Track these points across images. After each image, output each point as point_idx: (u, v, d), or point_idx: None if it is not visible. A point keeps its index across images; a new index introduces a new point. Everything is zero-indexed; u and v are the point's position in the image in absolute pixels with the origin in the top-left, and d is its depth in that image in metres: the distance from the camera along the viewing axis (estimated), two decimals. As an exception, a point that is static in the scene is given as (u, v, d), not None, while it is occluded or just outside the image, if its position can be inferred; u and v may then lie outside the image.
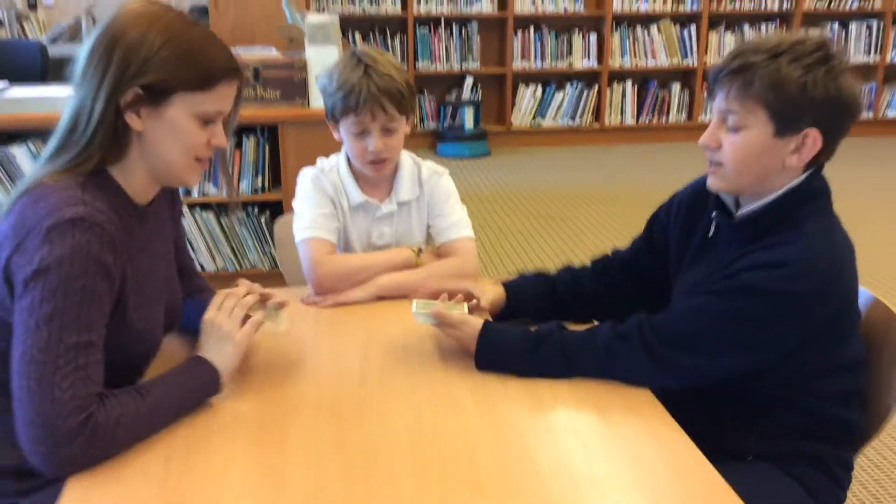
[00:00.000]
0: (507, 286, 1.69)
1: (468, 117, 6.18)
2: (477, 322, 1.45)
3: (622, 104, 6.46)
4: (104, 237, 1.17)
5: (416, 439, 1.24)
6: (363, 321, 1.65)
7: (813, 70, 1.27)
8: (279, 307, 1.46)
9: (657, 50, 6.37)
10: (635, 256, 1.69)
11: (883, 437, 1.48)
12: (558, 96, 6.39)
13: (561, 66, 6.35)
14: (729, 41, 6.40)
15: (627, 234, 1.77)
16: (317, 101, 3.09)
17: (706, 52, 6.35)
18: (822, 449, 1.42)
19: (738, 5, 6.37)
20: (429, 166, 1.88)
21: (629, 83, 6.41)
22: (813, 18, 6.50)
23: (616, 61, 6.35)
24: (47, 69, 4.30)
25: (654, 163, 5.99)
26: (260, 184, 3.21)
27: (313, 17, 3.21)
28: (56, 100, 3.22)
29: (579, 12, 6.26)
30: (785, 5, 6.41)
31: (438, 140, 6.20)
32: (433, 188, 1.85)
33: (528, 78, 6.38)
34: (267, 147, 3.18)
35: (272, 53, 3.49)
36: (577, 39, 6.33)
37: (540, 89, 6.37)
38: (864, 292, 1.49)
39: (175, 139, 1.26)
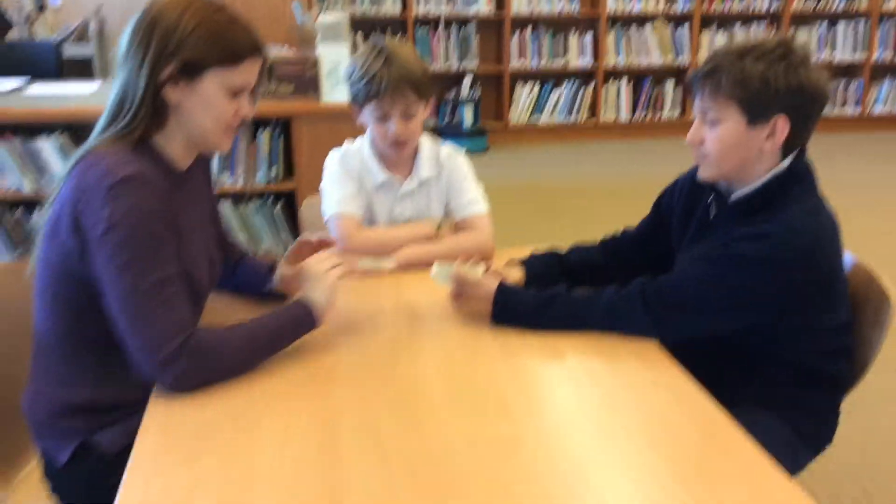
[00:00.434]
0: (526, 266, 1.83)
1: (467, 114, 6.33)
2: (492, 282, 1.61)
3: (617, 101, 6.63)
4: (156, 190, 1.34)
5: (448, 378, 1.40)
6: (390, 289, 1.80)
7: (774, 65, 1.45)
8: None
9: (651, 49, 6.55)
10: (643, 233, 1.85)
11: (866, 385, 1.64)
12: (555, 94, 6.55)
13: (557, 65, 6.52)
14: (720, 40, 6.58)
15: (623, 226, 1.92)
16: (328, 96, 3.24)
17: (698, 51, 6.53)
18: (811, 397, 1.58)
19: (728, 6, 6.55)
20: (447, 147, 2.03)
21: (624, 81, 6.58)
22: (801, 18, 6.68)
23: (611, 60, 6.52)
24: (62, 67, 4.44)
25: (649, 158, 6.15)
26: (274, 174, 3.35)
27: (325, 17, 3.36)
28: (73, 96, 3.37)
29: (575, 13, 6.42)
30: (773, 6, 6.59)
31: (438, 136, 6.35)
32: (452, 167, 2.01)
33: (525, 76, 6.54)
34: (281, 139, 3.32)
35: (285, 51, 3.64)
36: (573, 39, 6.50)
37: (537, 87, 6.54)
38: (848, 257, 1.66)
39: (208, 110, 1.41)
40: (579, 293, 1.60)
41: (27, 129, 3.13)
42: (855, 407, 1.73)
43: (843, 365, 1.59)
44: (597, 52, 6.51)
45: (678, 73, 6.65)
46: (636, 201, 2.23)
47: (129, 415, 1.38)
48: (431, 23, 6.35)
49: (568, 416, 1.31)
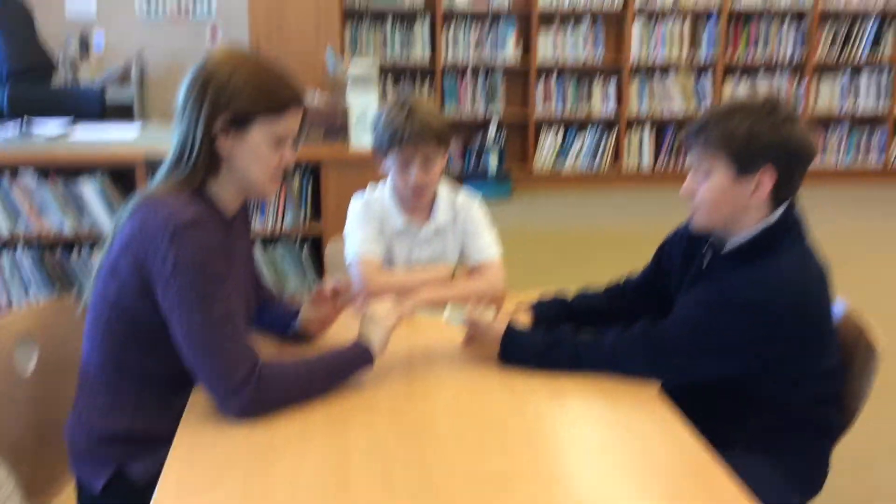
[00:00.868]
0: (534, 310, 1.92)
1: (492, 160, 6.47)
2: (501, 325, 1.70)
3: (640, 149, 6.74)
4: (214, 233, 1.47)
5: (454, 416, 1.49)
6: (405, 331, 1.88)
7: (760, 120, 1.56)
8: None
9: (674, 97, 6.66)
10: (645, 280, 1.94)
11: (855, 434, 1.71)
12: (578, 140, 6.68)
13: (581, 112, 6.65)
14: (743, 89, 6.68)
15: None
16: (357, 142, 3.38)
17: (721, 100, 6.63)
18: (801, 442, 1.65)
19: (751, 56, 6.66)
20: (463, 194, 2.15)
21: (647, 129, 6.70)
22: (824, 68, 6.77)
23: (634, 107, 6.65)
24: (105, 110, 4.65)
25: (671, 206, 6.16)
26: (302, 217, 3.48)
27: (356, 67, 3.52)
28: (116, 139, 3.55)
29: (599, 61, 6.57)
30: (796, 56, 6.69)
31: (463, 181, 6.49)
32: (467, 213, 2.13)
33: (549, 122, 6.68)
34: (310, 184, 3.46)
35: (317, 96, 3.80)
36: (597, 86, 6.64)
37: (561, 133, 6.67)
38: (839, 305, 1.73)
39: (256, 158, 1.54)
40: (584, 336, 1.69)
41: (69, 170, 3.30)
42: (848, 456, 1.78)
43: (833, 411, 1.66)
44: (620, 100, 6.64)
45: (701, 122, 6.74)
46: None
47: (161, 446, 1.47)
48: (459, 70, 6.53)
49: (564, 454, 1.40)
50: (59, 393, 1.72)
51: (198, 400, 1.52)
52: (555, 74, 6.58)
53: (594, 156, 6.71)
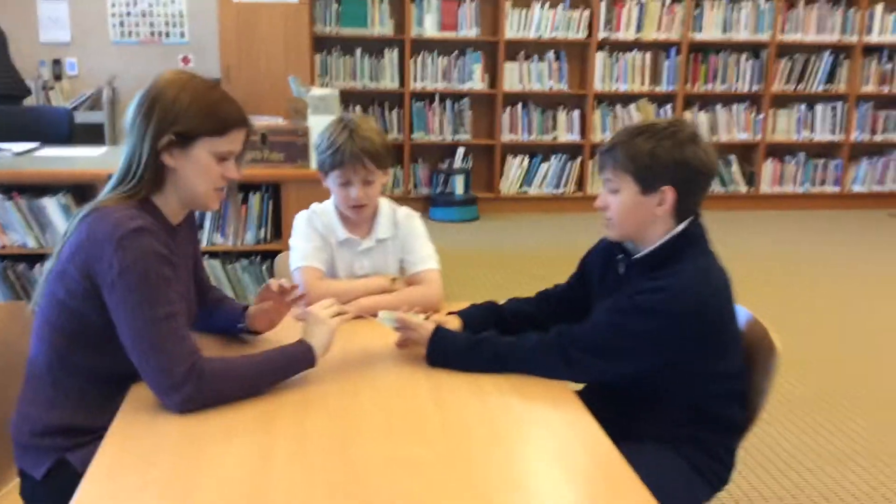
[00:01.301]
0: (462, 316, 2.01)
1: (459, 184, 6.61)
2: (430, 326, 1.81)
3: (603, 175, 6.90)
4: (158, 239, 1.57)
5: (379, 410, 1.59)
6: (342, 334, 1.98)
7: (662, 142, 1.69)
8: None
9: (636, 126, 6.84)
10: (570, 287, 2.07)
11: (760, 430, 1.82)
12: (544, 167, 6.84)
13: (546, 140, 6.83)
14: (703, 119, 6.89)
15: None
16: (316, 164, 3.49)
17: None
18: (707, 436, 1.76)
19: (710, 87, 6.88)
20: (403, 210, 2.26)
21: (610, 156, 6.86)
22: (781, 100, 7.00)
23: (597, 136, 6.83)
24: (73, 133, 4.74)
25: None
26: (262, 235, 3.58)
27: (316, 91, 3.65)
28: (80, 159, 3.64)
29: (563, 91, 6.76)
30: (754, 88, 6.91)
31: (431, 205, 6.63)
32: (407, 228, 2.24)
33: (515, 149, 6.85)
34: (270, 203, 3.57)
35: (278, 121, 3.92)
36: (562, 115, 6.82)
37: (527, 160, 6.83)
38: (744, 312, 1.86)
39: (199, 173, 1.65)
40: (506, 339, 1.80)
41: (34, 188, 3.39)
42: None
43: (737, 409, 1.78)
44: (584, 129, 6.82)
45: (663, 150, 6.92)
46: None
47: (99, 437, 1.56)
48: (428, 97, 6.69)
49: (478, 444, 1.50)
50: (7, 392, 1.80)
51: (136, 394, 1.61)
52: (520, 103, 6.76)
53: (559, 181, 6.87)
